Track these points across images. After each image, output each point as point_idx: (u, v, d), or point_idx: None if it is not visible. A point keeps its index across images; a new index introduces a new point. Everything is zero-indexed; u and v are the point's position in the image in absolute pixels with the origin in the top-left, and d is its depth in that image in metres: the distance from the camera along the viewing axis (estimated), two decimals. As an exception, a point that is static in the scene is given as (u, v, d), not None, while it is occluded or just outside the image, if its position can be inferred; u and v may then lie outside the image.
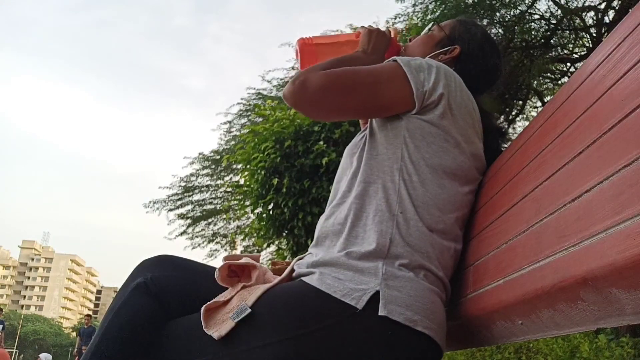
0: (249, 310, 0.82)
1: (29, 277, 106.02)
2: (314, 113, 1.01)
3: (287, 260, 1.16)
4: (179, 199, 11.98)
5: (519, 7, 6.42)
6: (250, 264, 0.93)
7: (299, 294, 0.85)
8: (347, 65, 0.99)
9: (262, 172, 5.59)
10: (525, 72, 6.39)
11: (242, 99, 11.15)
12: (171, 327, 0.88)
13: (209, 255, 11.92)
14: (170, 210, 11.92)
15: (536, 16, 6.75)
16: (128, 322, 0.87)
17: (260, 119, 7.13)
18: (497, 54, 1.21)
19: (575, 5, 6.69)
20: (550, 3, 6.63)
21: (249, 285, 0.89)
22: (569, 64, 7.45)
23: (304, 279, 0.88)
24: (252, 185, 5.89)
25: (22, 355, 63.19)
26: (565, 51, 7.27)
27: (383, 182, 0.93)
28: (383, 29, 1.21)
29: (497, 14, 6.38)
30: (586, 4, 6.70)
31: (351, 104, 0.96)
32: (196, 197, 12.00)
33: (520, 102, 7.90)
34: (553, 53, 7.01)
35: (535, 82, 7.31)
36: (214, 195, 12.00)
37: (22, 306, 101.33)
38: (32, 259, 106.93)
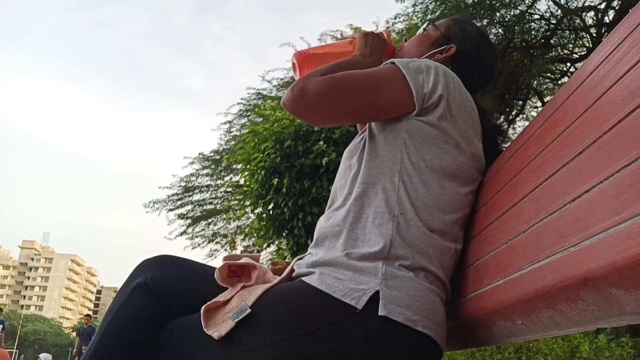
0: (249, 310, 0.82)
1: (29, 277, 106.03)
2: (314, 119, 1.01)
3: (287, 260, 1.16)
4: (179, 199, 11.97)
5: (519, 7, 6.42)
6: (250, 264, 0.93)
7: (299, 294, 0.85)
8: (346, 70, 0.99)
9: (262, 172, 5.59)
10: (525, 72, 6.39)
11: (242, 99, 11.16)
12: (171, 327, 0.88)
13: (209, 255, 11.93)
14: (170, 210, 11.92)
15: (536, 16, 6.75)
16: (128, 322, 0.87)
17: (260, 119, 7.13)
18: (493, 52, 1.21)
19: (575, 5, 6.69)
20: (550, 3, 6.63)
21: (249, 285, 0.89)
22: (569, 64, 7.45)
23: (303, 279, 0.88)
24: (252, 185, 5.89)
25: (22, 355, 63.19)
26: (565, 51, 7.27)
27: (383, 184, 0.93)
28: (379, 29, 1.21)
29: (497, 14, 6.38)
30: (586, 4, 6.70)
31: (351, 108, 0.96)
32: (196, 197, 12.00)
33: (520, 102, 7.90)
34: (553, 53, 7.00)
35: (535, 82, 7.30)
36: (214, 195, 12.00)
37: (22, 306, 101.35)
38: (32, 259, 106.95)
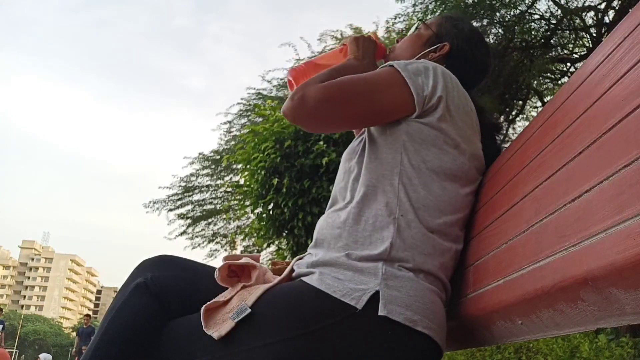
0: (249, 310, 0.82)
1: (29, 277, 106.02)
2: (315, 125, 1.01)
3: (287, 260, 1.16)
4: (179, 199, 11.96)
5: (519, 7, 6.42)
6: (250, 264, 0.93)
7: (299, 293, 0.85)
8: (343, 74, 0.98)
9: (262, 172, 5.59)
10: (525, 72, 6.38)
11: (242, 99, 11.15)
12: (171, 327, 0.88)
13: (209, 255, 11.92)
14: (170, 210, 11.91)
15: (536, 16, 6.75)
16: (128, 322, 0.87)
17: (260, 119, 7.13)
18: (486, 48, 1.21)
19: (575, 5, 6.69)
20: (550, 3, 6.63)
21: (249, 285, 0.89)
22: (569, 64, 7.45)
23: (303, 279, 0.88)
24: (252, 185, 5.89)
25: (23, 355, 63.18)
26: (565, 51, 7.26)
27: (383, 186, 0.93)
28: (377, 29, 1.21)
29: (497, 14, 6.38)
30: (586, 4, 6.69)
31: (352, 113, 0.96)
32: (196, 197, 11.99)
33: (520, 102, 7.90)
34: (553, 53, 7.00)
35: (535, 82, 7.30)
36: (214, 195, 11.99)
37: (22, 306, 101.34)
38: (32, 259, 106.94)
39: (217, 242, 12.02)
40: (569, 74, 7.44)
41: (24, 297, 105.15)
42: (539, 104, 8.10)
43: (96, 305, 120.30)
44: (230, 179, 11.59)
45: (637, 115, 0.51)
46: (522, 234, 0.71)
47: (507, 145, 1.14)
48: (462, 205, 0.96)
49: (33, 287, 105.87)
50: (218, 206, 11.84)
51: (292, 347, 0.79)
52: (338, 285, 0.82)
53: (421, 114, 0.95)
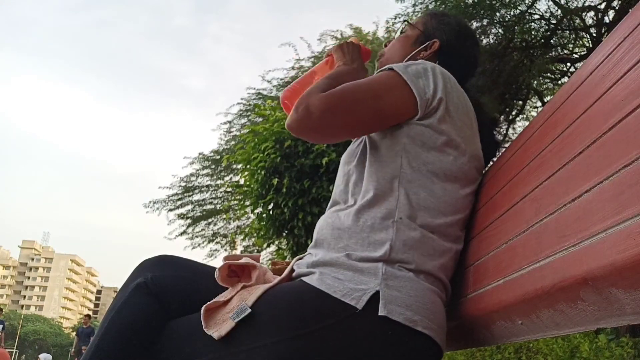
0: (249, 310, 0.82)
1: (29, 277, 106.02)
2: (320, 136, 1.00)
3: (287, 260, 1.16)
4: (179, 199, 11.97)
5: (519, 7, 6.42)
6: (250, 264, 0.93)
7: (299, 293, 0.85)
8: (340, 80, 0.98)
9: (262, 172, 5.59)
10: (525, 72, 6.38)
11: (242, 99, 11.15)
12: (171, 327, 0.88)
13: (209, 255, 11.92)
14: (170, 210, 11.91)
15: (536, 16, 6.74)
16: (128, 322, 0.87)
17: (260, 119, 7.13)
18: (474, 38, 1.21)
19: (575, 5, 6.68)
20: (550, 3, 6.63)
21: (249, 285, 0.89)
22: (569, 64, 7.45)
23: (304, 279, 0.88)
24: (252, 185, 5.89)
25: (23, 355, 63.19)
26: (565, 51, 7.26)
27: (383, 188, 0.92)
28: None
29: (497, 14, 6.38)
30: (586, 4, 6.69)
31: (357, 120, 0.95)
32: (196, 197, 11.99)
33: (520, 102, 7.90)
34: (553, 53, 7.00)
35: (535, 82, 7.30)
36: (214, 195, 11.99)
37: (22, 306, 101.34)
38: (32, 259, 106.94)
39: (217, 242, 12.04)
40: (569, 74, 7.44)
41: (24, 297, 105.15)
42: (539, 104, 8.10)
43: (96, 306, 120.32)
44: (230, 179, 11.60)
45: (637, 115, 0.51)
46: (522, 234, 0.71)
47: (507, 145, 1.14)
48: (462, 205, 0.96)
49: (33, 287, 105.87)
50: (218, 206, 11.84)
51: (293, 347, 0.79)
52: (338, 285, 0.82)
53: (422, 117, 0.95)
